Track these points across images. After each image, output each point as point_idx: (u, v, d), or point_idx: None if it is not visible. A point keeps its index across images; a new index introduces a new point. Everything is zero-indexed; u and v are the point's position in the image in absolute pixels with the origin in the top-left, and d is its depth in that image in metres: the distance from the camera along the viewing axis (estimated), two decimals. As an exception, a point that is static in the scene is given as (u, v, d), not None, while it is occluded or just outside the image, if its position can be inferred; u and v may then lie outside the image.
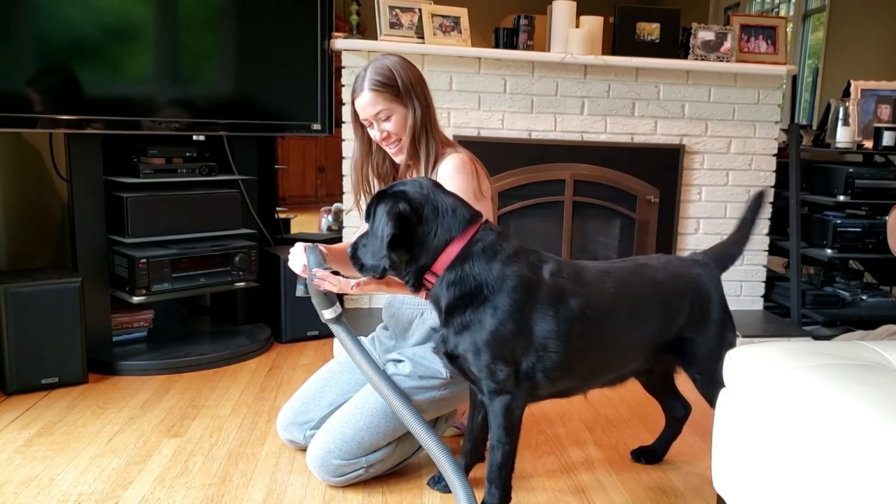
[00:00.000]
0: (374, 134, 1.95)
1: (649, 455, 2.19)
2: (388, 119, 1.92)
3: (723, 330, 1.89)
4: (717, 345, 1.86)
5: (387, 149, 1.98)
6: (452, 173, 1.90)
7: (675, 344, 1.86)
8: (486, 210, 1.95)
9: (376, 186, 2.06)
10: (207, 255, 2.95)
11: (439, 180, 1.90)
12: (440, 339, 1.72)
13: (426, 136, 1.93)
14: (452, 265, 1.62)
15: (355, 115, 1.97)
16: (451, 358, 1.70)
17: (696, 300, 1.85)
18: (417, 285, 1.69)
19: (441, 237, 1.63)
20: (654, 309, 1.81)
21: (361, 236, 1.74)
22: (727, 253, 2.02)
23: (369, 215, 1.68)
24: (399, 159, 1.98)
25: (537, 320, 1.64)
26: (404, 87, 1.91)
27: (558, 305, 1.66)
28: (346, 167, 3.31)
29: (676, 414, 2.15)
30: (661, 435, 2.20)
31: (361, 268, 1.70)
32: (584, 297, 1.70)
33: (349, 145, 3.31)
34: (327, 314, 1.92)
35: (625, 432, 2.39)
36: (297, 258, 1.95)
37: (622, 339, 1.79)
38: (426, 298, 1.72)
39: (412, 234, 1.62)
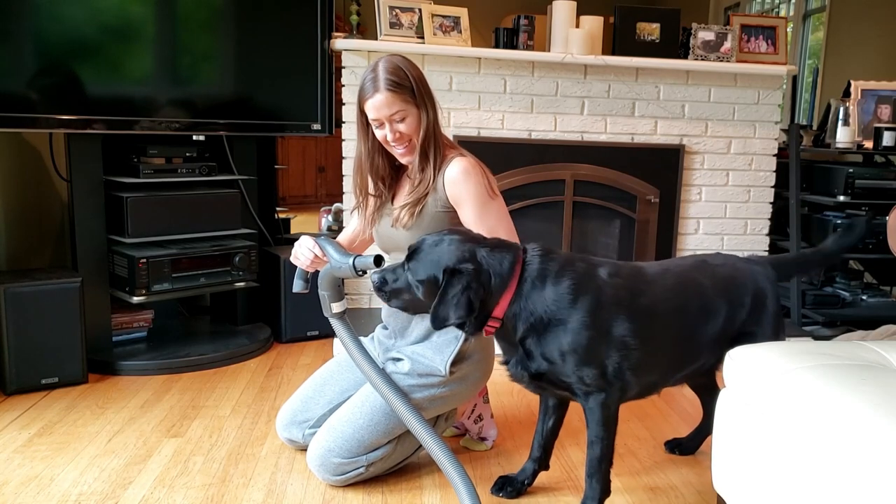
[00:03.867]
0: (385, 135, 1.91)
1: (683, 447, 2.24)
2: (402, 120, 1.89)
3: (778, 328, 1.94)
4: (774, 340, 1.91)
5: (395, 150, 1.95)
6: (464, 178, 1.90)
7: (736, 340, 1.88)
8: (501, 207, 1.96)
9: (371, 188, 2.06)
10: (207, 255, 2.95)
11: (448, 185, 1.92)
12: (518, 366, 1.75)
13: (435, 139, 1.93)
14: (511, 304, 1.69)
15: (363, 116, 1.94)
16: (537, 377, 1.74)
17: (756, 295, 1.90)
18: (477, 332, 1.74)
19: (497, 290, 1.69)
20: (720, 302, 1.85)
21: (391, 270, 1.75)
22: (786, 261, 2.09)
23: (413, 268, 1.70)
24: (407, 160, 1.96)
25: (611, 322, 1.69)
26: (417, 88, 1.90)
27: (628, 305, 1.72)
28: (347, 167, 3.31)
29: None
30: (697, 428, 2.25)
31: (388, 301, 1.77)
32: (651, 296, 1.76)
33: (349, 145, 3.31)
34: (336, 307, 1.95)
35: (624, 432, 2.39)
36: (306, 251, 1.96)
37: (694, 333, 1.83)
38: (486, 334, 1.77)
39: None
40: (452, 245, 1.70)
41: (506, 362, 1.79)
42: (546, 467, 1.99)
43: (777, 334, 1.93)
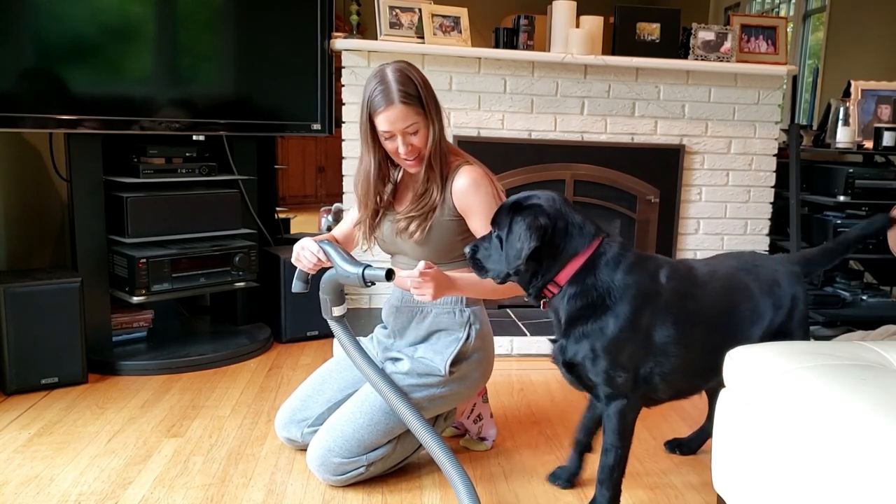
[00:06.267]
0: (396, 147, 1.87)
1: (683, 447, 2.24)
2: (415, 133, 1.86)
3: (807, 328, 1.93)
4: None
5: (405, 161, 1.92)
6: (473, 189, 1.90)
7: (773, 339, 1.87)
8: None
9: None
10: (207, 255, 2.95)
11: (456, 195, 1.91)
12: (558, 349, 1.75)
13: (440, 149, 1.91)
14: (575, 278, 1.68)
15: (371, 127, 1.89)
16: (569, 366, 1.74)
17: (794, 297, 1.90)
18: (539, 295, 1.74)
19: (568, 251, 1.69)
20: (766, 305, 1.85)
21: (481, 240, 1.75)
22: (812, 258, 2.06)
23: (497, 223, 1.71)
24: (415, 171, 1.94)
25: (657, 326, 1.69)
26: (425, 98, 1.87)
27: (676, 310, 1.71)
28: (346, 167, 3.31)
29: None
30: (700, 428, 2.25)
31: (482, 271, 1.75)
32: (700, 300, 1.76)
33: (349, 145, 3.31)
34: (336, 311, 1.94)
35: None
36: (309, 255, 1.94)
37: (738, 337, 1.81)
38: (544, 308, 1.76)
39: (547, 248, 1.67)
40: (535, 192, 1.72)
41: (554, 341, 1.79)
42: (589, 449, 1.99)
43: (807, 335, 1.93)
